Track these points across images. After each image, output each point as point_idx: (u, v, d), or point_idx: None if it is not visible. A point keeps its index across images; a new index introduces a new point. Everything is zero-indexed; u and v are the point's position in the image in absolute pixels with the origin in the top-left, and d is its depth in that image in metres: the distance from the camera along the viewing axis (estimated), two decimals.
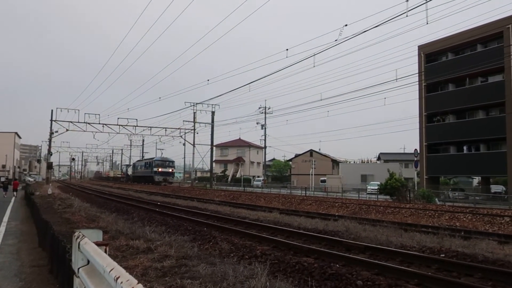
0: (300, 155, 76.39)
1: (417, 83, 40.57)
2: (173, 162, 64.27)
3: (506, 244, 10.16)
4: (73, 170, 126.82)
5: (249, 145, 79.71)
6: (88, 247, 3.16)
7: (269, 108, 58.02)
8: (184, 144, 60.23)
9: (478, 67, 35.54)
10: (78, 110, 54.94)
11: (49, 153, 51.46)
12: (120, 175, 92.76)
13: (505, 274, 6.79)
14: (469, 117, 40.09)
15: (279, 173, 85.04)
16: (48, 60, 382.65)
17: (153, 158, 64.03)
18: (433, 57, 42.78)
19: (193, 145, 53.84)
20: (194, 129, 53.09)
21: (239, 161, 79.59)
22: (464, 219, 15.43)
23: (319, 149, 77.91)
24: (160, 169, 59.71)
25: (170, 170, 61.92)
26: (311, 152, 74.10)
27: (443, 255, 8.48)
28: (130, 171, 78.86)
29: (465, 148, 40.54)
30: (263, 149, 62.64)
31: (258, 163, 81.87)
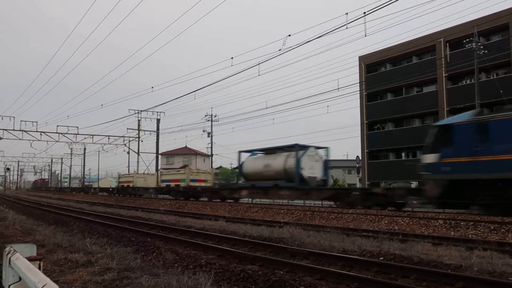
0: None
1: (358, 92, 42.25)
2: None
3: (439, 245, 10.73)
4: (8, 180, 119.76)
5: (196, 153, 78.98)
6: (19, 262, 3.02)
7: (215, 116, 57.85)
8: (128, 153, 58.47)
9: (413, 78, 37.56)
10: (14, 117, 52.16)
11: None
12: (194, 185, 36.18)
13: (438, 274, 7.18)
14: (407, 125, 42.15)
15: (226, 180, 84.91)
16: None
17: None
18: (372, 67, 44.71)
19: (138, 153, 52.61)
20: (139, 137, 51.95)
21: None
22: (402, 222, 16.14)
23: None
24: None
25: None
26: None
27: (382, 258, 8.83)
28: None
29: (403, 154, 42.54)
30: (210, 157, 62.34)
31: None
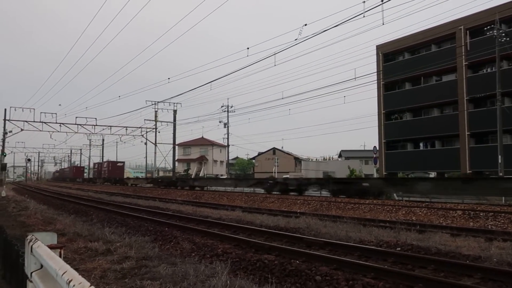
0: (263, 153, 76.93)
1: (376, 82, 41.67)
2: None
3: (458, 236, 10.62)
4: (29, 171, 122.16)
5: (212, 144, 79.40)
6: (40, 250, 3.09)
7: (231, 107, 57.85)
8: (145, 143, 59.04)
9: (432, 67, 36.89)
10: (34, 109, 53.10)
11: (3, 154, 49.42)
12: None
13: (456, 265, 7.11)
14: (425, 114, 41.52)
15: (242, 171, 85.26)
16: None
17: None
18: (390, 56, 44.00)
19: (155, 144, 53.13)
20: (156, 128, 52.40)
21: (202, 160, 79.12)
22: (420, 213, 16.00)
23: (282, 147, 78.74)
24: None
25: None
26: (274, 150, 74.79)
27: (399, 248, 8.78)
28: None
29: (421, 144, 41.98)
30: (226, 148, 62.54)
31: (222, 162, 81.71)
